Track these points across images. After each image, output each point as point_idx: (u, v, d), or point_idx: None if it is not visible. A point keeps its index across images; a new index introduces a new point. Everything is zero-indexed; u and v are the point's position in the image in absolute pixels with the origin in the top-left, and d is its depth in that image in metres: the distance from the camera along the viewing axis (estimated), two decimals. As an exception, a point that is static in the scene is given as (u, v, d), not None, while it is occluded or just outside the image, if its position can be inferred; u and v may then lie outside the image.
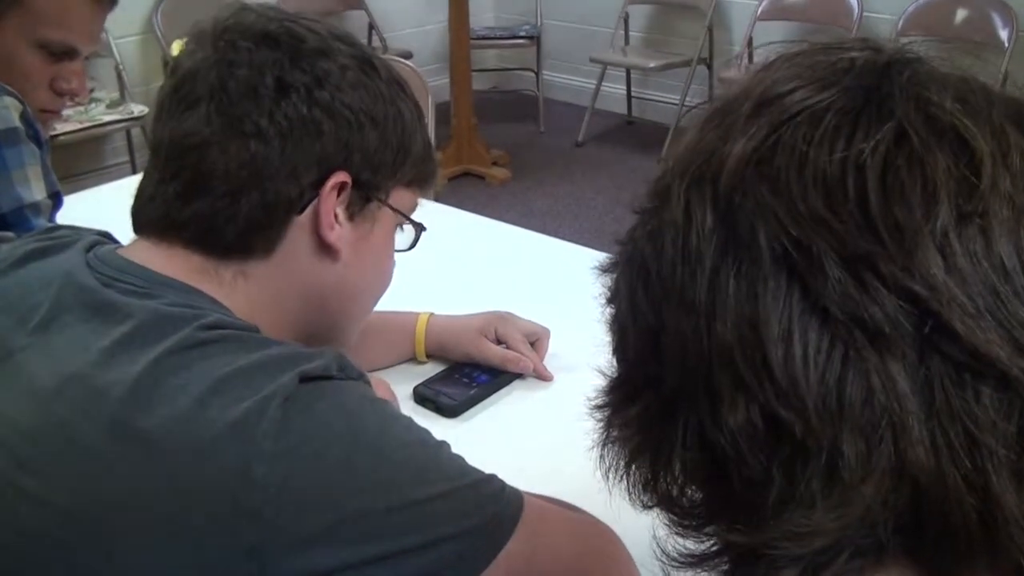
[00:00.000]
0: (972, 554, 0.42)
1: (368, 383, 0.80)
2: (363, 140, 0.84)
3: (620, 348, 0.52)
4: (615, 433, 0.52)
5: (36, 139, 1.32)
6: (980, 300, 0.41)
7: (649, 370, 0.49)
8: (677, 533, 0.50)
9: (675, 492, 0.50)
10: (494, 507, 0.74)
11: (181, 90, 0.82)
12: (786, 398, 0.43)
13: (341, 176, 0.83)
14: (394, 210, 0.91)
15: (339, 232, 0.85)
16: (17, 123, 1.28)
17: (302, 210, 0.83)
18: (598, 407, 0.53)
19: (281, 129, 0.80)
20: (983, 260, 0.41)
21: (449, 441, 0.79)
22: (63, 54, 1.32)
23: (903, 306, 0.41)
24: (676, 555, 0.51)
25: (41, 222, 1.29)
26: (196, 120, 0.80)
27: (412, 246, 0.97)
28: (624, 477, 0.52)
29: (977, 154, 0.43)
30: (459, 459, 0.77)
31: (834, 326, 0.42)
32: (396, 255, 0.96)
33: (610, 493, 0.55)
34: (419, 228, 0.96)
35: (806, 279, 0.43)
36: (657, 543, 0.51)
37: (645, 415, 0.50)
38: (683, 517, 0.50)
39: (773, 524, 0.44)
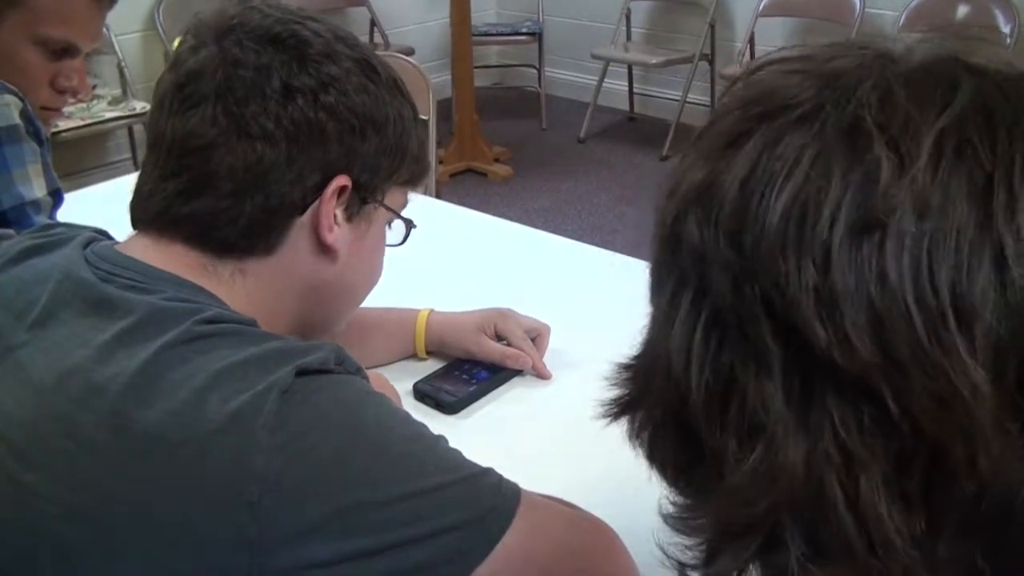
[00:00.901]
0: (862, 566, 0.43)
1: (366, 377, 0.81)
2: (365, 144, 0.86)
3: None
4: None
5: (36, 136, 1.32)
6: (854, 314, 0.41)
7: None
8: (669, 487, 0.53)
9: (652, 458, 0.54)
10: (491, 500, 0.75)
11: (186, 88, 0.81)
12: (682, 398, 0.47)
13: (343, 180, 0.85)
14: (389, 210, 0.92)
15: (337, 233, 0.86)
16: (17, 120, 1.28)
17: (303, 212, 0.84)
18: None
19: (287, 132, 0.81)
20: (867, 275, 0.41)
21: (449, 438, 0.79)
22: (63, 52, 1.32)
23: (772, 318, 0.43)
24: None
25: (42, 219, 1.29)
26: (201, 120, 0.80)
27: (403, 241, 0.99)
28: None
29: (881, 166, 0.42)
30: (456, 453, 0.78)
31: (724, 332, 0.45)
32: (395, 251, 0.97)
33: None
34: (410, 225, 0.98)
35: (712, 296, 0.45)
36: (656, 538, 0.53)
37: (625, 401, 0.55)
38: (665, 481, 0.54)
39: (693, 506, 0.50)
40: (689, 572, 0.51)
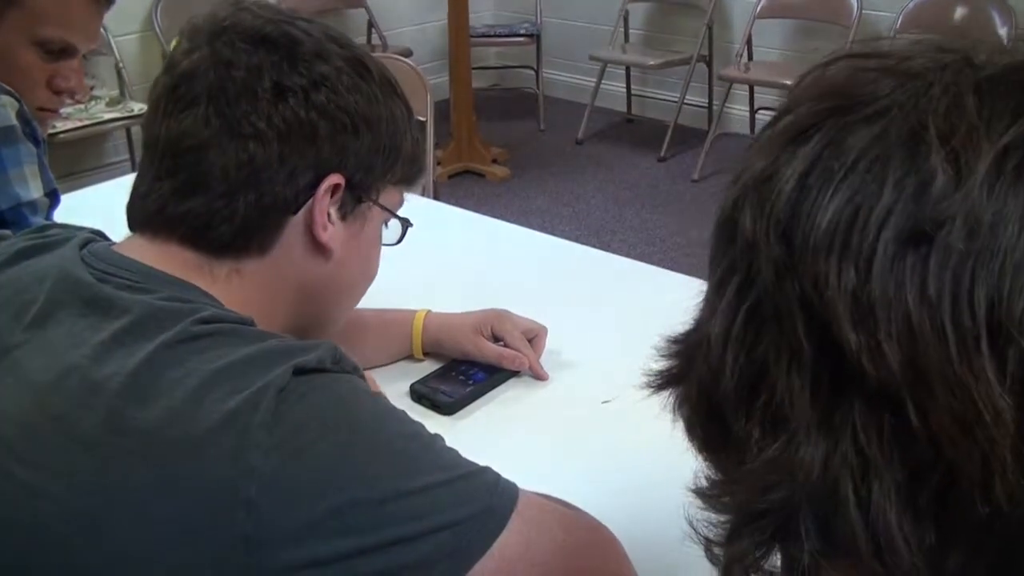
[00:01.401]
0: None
1: (363, 377, 0.81)
2: (357, 143, 0.86)
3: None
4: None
5: (33, 137, 1.32)
6: (888, 323, 0.41)
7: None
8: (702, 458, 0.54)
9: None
10: (488, 498, 0.75)
11: (178, 89, 0.82)
12: (715, 382, 0.47)
13: (336, 178, 0.85)
14: (384, 209, 0.93)
15: (332, 232, 0.87)
16: (14, 121, 1.28)
17: (296, 210, 0.85)
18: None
19: (279, 132, 0.82)
20: (907, 286, 0.40)
21: (446, 439, 0.79)
22: (61, 52, 1.33)
23: (808, 317, 0.43)
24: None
25: (39, 220, 1.29)
26: (194, 121, 0.81)
27: (399, 241, 0.99)
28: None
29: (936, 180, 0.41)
30: (453, 451, 0.78)
31: (762, 323, 0.45)
32: (392, 251, 0.98)
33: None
34: (406, 224, 0.98)
35: (756, 287, 0.45)
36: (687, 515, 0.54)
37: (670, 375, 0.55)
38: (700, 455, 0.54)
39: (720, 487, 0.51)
40: (714, 548, 0.51)
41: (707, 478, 0.52)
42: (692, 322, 0.53)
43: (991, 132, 0.41)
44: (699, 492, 0.52)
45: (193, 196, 0.81)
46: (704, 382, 0.49)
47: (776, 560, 0.48)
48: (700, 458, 0.53)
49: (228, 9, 0.85)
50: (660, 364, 0.55)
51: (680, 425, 0.54)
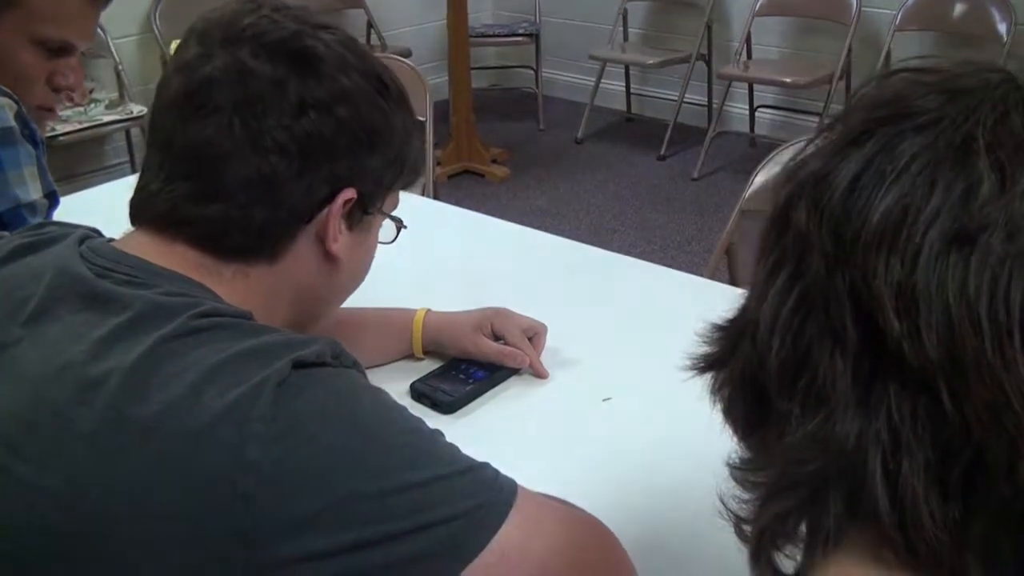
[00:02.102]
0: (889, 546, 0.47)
1: (363, 372, 0.82)
2: (372, 158, 0.88)
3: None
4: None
5: (32, 139, 1.33)
6: (928, 315, 0.45)
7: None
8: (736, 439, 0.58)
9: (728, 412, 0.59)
10: (487, 493, 0.75)
11: (199, 95, 0.82)
12: (761, 362, 0.52)
13: (350, 192, 0.87)
14: (386, 215, 0.95)
15: (341, 242, 0.88)
16: (13, 123, 1.29)
17: (309, 221, 0.86)
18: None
19: (301, 146, 0.83)
20: (949, 282, 0.44)
21: (446, 437, 0.79)
22: (60, 51, 1.33)
23: (855, 305, 0.47)
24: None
25: (37, 221, 1.30)
26: (216, 130, 0.81)
27: (394, 239, 1.00)
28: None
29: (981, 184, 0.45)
30: (453, 447, 0.78)
31: (810, 310, 0.49)
32: (392, 251, 0.99)
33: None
34: (400, 225, 0.99)
35: (806, 277, 0.50)
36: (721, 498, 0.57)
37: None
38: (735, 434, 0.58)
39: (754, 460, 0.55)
40: (743, 525, 0.55)
41: (741, 459, 0.56)
42: (738, 310, 0.57)
43: None
44: (733, 469, 0.56)
45: (210, 203, 0.82)
46: (750, 363, 0.53)
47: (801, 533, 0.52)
48: (736, 439, 0.58)
49: (248, 15, 0.84)
50: (704, 348, 0.59)
51: (715, 409, 0.58)
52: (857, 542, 0.49)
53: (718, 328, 0.58)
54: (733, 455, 0.57)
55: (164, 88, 0.85)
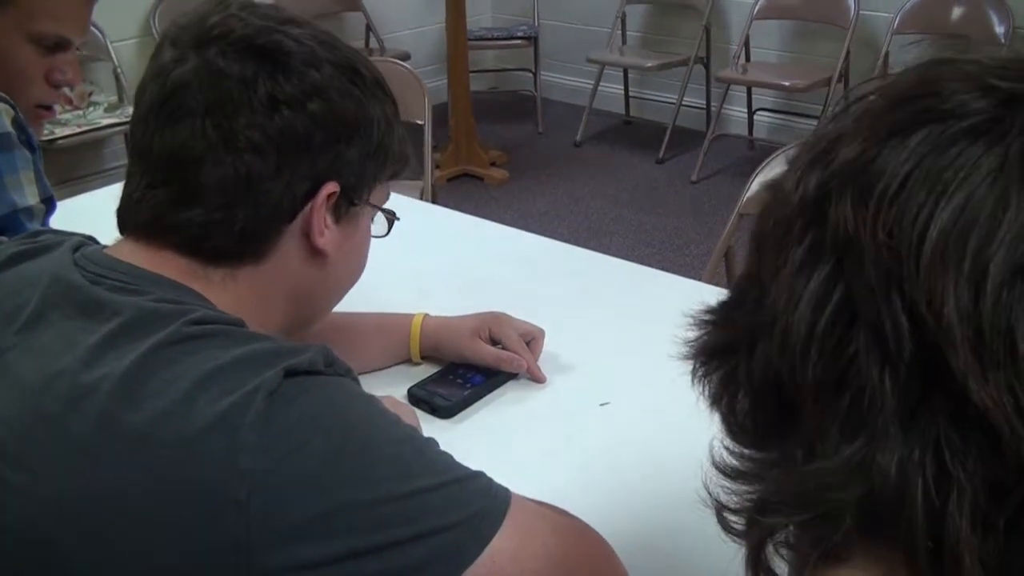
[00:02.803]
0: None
1: (356, 379, 0.81)
2: (351, 150, 0.87)
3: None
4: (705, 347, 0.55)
5: (29, 144, 1.33)
6: (994, 351, 0.41)
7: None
8: (726, 448, 0.54)
9: (735, 413, 0.54)
10: (481, 502, 0.75)
11: (171, 100, 0.82)
12: (792, 371, 0.47)
13: (332, 186, 0.86)
14: (374, 207, 0.94)
15: (328, 237, 0.87)
16: (9, 128, 1.29)
17: (293, 218, 0.85)
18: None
19: (275, 143, 0.82)
20: (1018, 319, 0.40)
21: (444, 442, 0.79)
22: (56, 46, 1.34)
23: (915, 327, 0.43)
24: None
25: (34, 227, 1.30)
26: (189, 133, 0.81)
27: (387, 233, 1.00)
28: (702, 382, 0.56)
29: None
30: (446, 455, 0.78)
31: (853, 322, 0.45)
32: (390, 255, 1.00)
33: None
34: (392, 217, 0.99)
35: (850, 282, 0.45)
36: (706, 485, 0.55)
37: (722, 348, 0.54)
38: (732, 433, 0.54)
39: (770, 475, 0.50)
40: (725, 513, 0.53)
41: (734, 469, 0.53)
42: (740, 291, 0.52)
43: None
44: (720, 462, 0.53)
45: (190, 207, 0.81)
46: (777, 367, 0.48)
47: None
48: (732, 440, 0.54)
49: (215, 14, 0.84)
50: (698, 333, 0.54)
51: (700, 396, 0.55)
52: (867, 558, 0.47)
53: (719, 310, 0.54)
54: (724, 441, 0.54)
55: (141, 95, 0.85)
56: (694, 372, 0.55)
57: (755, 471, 0.52)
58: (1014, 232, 0.41)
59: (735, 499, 0.52)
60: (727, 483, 0.53)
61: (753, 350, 0.50)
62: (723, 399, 0.54)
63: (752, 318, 0.50)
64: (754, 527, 0.51)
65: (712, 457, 0.54)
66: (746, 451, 0.53)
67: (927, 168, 0.43)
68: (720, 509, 0.53)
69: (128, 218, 0.85)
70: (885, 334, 0.43)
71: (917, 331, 0.43)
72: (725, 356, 0.53)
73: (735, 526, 0.53)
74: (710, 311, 0.55)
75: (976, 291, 0.41)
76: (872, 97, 0.49)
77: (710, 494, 0.53)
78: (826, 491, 0.46)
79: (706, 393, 0.55)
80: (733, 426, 0.54)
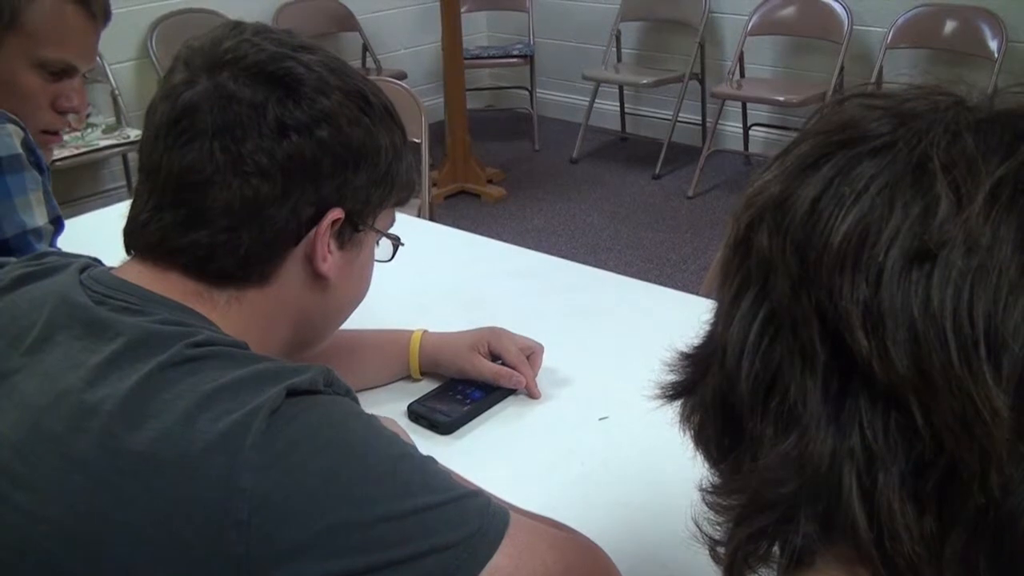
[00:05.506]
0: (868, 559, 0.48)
1: (356, 399, 0.81)
2: (358, 177, 0.87)
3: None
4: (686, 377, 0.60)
5: (38, 165, 1.34)
6: (892, 331, 0.46)
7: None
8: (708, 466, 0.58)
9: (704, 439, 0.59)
10: (479, 521, 0.74)
11: (181, 122, 0.82)
12: (732, 386, 0.52)
13: (337, 212, 0.87)
14: (379, 232, 0.94)
15: (331, 262, 0.88)
16: (19, 150, 1.30)
17: (297, 243, 0.86)
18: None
19: (283, 168, 0.82)
20: (913, 298, 0.45)
21: (443, 458, 0.80)
22: (62, 73, 1.35)
23: (822, 325, 0.48)
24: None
25: (43, 247, 1.30)
26: (198, 156, 0.82)
27: (392, 258, 1.00)
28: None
29: (939, 201, 0.46)
30: (445, 474, 0.78)
31: (777, 334, 0.50)
32: (389, 272, 0.99)
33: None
34: (397, 243, 0.99)
35: (771, 298, 0.51)
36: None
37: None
38: (707, 459, 0.59)
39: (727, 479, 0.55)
40: (718, 548, 0.56)
41: (714, 484, 0.57)
42: (703, 336, 0.57)
43: (987, 165, 0.46)
44: (705, 494, 0.56)
45: (196, 229, 0.82)
46: (720, 388, 0.53)
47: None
48: (707, 465, 0.58)
49: (230, 39, 0.85)
50: (672, 377, 0.59)
51: (685, 436, 0.59)
52: (830, 560, 0.50)
53: (684, 356, 0.59)
54: (705, 481, 0.57)
55: (151, 116, 0.86)
56: (680, 415, 0.60)
57: (725, 488, 0.56)
58: (904, 230, 0.46)
59: (719, 531, 0.56)
60: (712, 515, 0.56)
61: (706, 376, 0.55)
62: (693, 428, 0.58)
63: (706, 349, 0.56)
64: (731, 542, 0.54)
65: (701, 492, 0.57)
66: (719, 475, 0.57)
67: (834, 190, 0.49)
68: (713, 545, 0.56)
69: (135, 239, 0.86)
70: (801, 337, 0.49)
71: (825, 328, 0.48)
72: (693, 389, 0.58)
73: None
74: (683, 355, 0.60)
75: (877, 281, 0.46)
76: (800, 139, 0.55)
77: (700, 529, 0.56)
78: (768, 487, 0.50)
79: (690, 431, 0.59)
80: (705, 453, 0.58)
